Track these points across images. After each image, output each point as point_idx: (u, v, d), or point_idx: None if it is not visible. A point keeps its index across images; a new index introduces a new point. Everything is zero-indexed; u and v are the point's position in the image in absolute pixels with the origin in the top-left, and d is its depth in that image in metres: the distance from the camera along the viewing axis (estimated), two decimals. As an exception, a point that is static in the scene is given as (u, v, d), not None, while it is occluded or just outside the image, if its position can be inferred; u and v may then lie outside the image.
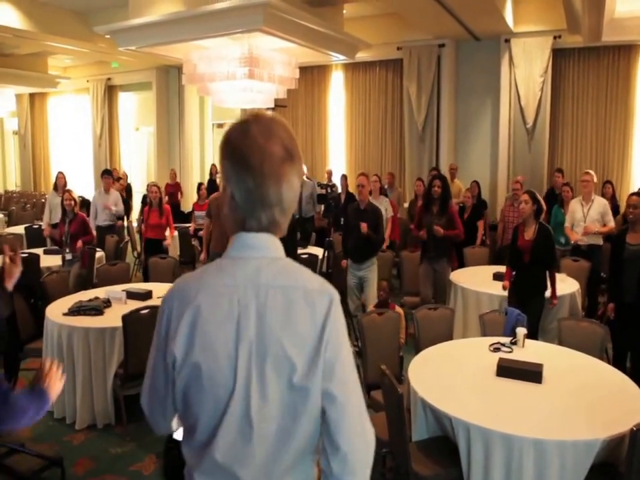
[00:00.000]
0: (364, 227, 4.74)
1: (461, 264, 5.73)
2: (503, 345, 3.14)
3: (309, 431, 1.05)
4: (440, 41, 8.60)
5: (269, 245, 1.08)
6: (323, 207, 7.61)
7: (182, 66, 7.60)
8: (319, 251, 5.85)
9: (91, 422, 3.79)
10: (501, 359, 2.84)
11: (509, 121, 8.38)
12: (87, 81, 12.85)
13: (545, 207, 4.19)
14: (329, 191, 5.17)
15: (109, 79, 12.52)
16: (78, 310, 3.96)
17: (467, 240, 5.88)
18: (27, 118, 14.48)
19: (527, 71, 8.10)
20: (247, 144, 1.03)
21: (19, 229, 8.05)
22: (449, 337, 3.55)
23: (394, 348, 3.55)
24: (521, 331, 3.13)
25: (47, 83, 12.06)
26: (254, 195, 1.04)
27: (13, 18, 7.99)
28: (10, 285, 1.75)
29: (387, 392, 2.60)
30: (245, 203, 1.05)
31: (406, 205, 8.46)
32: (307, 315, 1.02)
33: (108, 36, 7.46)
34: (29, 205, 11.30)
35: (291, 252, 5.15)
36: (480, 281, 4.79)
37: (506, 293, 4.18)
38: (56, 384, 1.44)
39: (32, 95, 14.15)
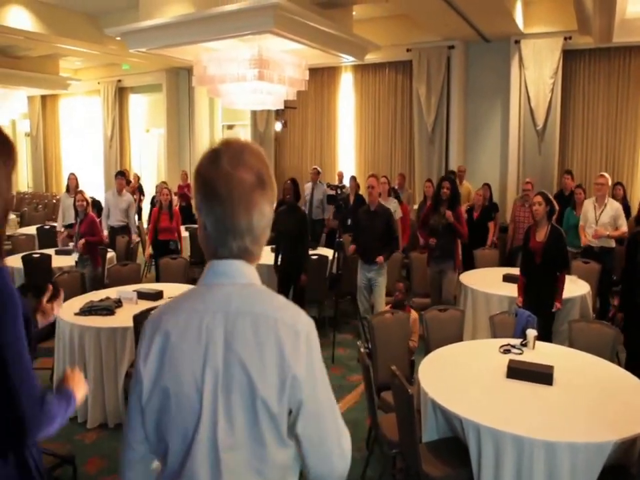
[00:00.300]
0: (380, 260, 4.78)
1: (471, 265, 5.72)
2: (513, 346, 3.13)
3: (281, 460, 1.03)
4: (449, 42, 8.59)
5: (241, 271, 1.05)
6: (333, 207, 7.61)
7: (192, 68, 7.64)
8: (329, 252, 5.86)
9: (102, 421, 3.83)
10: (511, 361, 2.84)
11: (518, 123, 8.35)
12: (98, 83, 12.96)
13: (557, 207, 4.18)
14: (339, 192, 5.17)
15: (119, 80, 12.61)
16: (89, 310, 4.00)
17: (477, 241, 5.87)
18: (39, 120, 14.63)
19: (537, 72, 8.06)
20: (215, 173, 1.02)
21: (31, 230, 8.13)
22: (459, 338, 3.55)
23: (404, 349, 3.55)
24: (531, 333, 3.12)
25: (58, 85, 12.17)
26: (223, 224, 1.02)
27: (25, 20, 8.08)
28: (41, 322, 1.69)
29: (397, 393, 2.61)
30: (215, 232, 1.04)
31: (416, 206, 8.45)
32: (274, 347, 0.99)
33: (118, 38, 7.52)
34: (40, 206, 11.42)
35: (302, 253, 5.18)
36: (490, 283, 4.78)
37: (515, 294, 4.15)
38: (81, 388, 1.43)
39: (43, 97, 14.29)
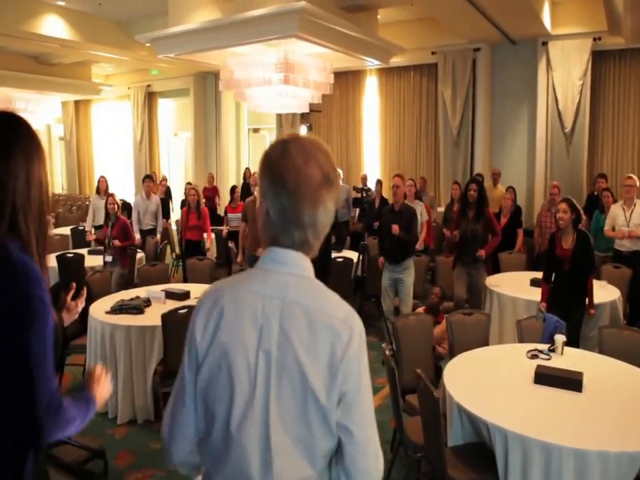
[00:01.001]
0: (395, 228, 4.71)
1: (496, 269, 5.62)
2: (541, 351, 3.06)
3: (326, 449, 1.05)
4: (475, 44, 8.48)
5: (299, 262, 1.08)
6: (357, 210, 7.59)
7: (218, 72, 7.72)
8: (353, 255, 5.84)
9: (132, 417, 3.88)
10: (538, 366, 2.77)
11: (546, 126, 8.18)
12: (128, 88, 13.20)
13: (584, 216, 4.07)
14: (364, 195, 5.15)
15: (148, 85, 12.82)
16: (120, 308, 4.07)
17: (504, 246, 5.75)
18: (72, 124, 14.98)
19: (565, 74, 7.90)
20: (285, 164, 1.04)
21: (65, 230, 8.32)
22: (485, 342, 3.48)
23: (428, 351, 3.50)
24: (560, 338, 3.04)
25: (90, 91, 12.45)
26: (288, 215, 1.05)
27: (60, 29, 8.29)
28: (66, 320, 1.70)
29: (422, 396, 2.57)
30: (279, 221, 1.06)
31: (440, 209, 8.37)
32: (327, 343, 1.01)
33: (148, 44, 7.65)
34: (74, 207, 11.68)
35: (324, 256, 5.18)
36: (517, 287, 4.69)
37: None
38: (104, 390, 1.43)
39: (77, 102, 14.63)
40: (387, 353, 2.89)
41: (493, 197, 7.26)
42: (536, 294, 4.32)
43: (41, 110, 12.33)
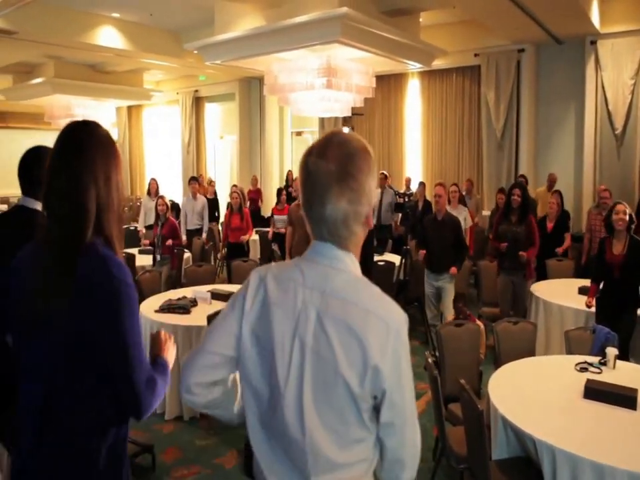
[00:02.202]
0: (453, 271, 4.64)
1: (543, 276, 5.39)
2: (591, 364, 2.90)
3: (359, 437, 1.05)
4: (519, 45, 8.20)
5: (337, 255, 1.07)
6: (400, 215, 7.47)
7: (263, 77, 7.77)
8: (396, 258, 5.75)
9: (179, 413, 3.95)
10: (588, 380, 2.62)
11: (594, 127, 7.80)
12: (177, 93, 13.48)
13: (635, 220, 3.85)
14: (406, 200, 5.05)
15: (196, 90, 13.06)
16: (168, 308, 4.15)
17: (551, 252, 5.51)
18: (125, 128, 15.45)
19: (615, 73, 7.52)
20: (305, 162, 1.07)
21: (118, 230, 8.56)
22: (531, 352, 3.33)
23: (473, 360, 3.39)
24: (612, 351, 2.87)
25: (142, 96, 12.78)
26: (312, 210, 1.07)
27: (115, 39, 8.56)
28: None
29: (466, 408, 2.48)
30: (308, 216, 1.09)
31: (484, 212, 8.14)
32: (360, 336, 1.00)
33: (196, 52, 7.78)
34: (126, 208, 12.04)
35: (365, 258, 5.11)
36: (564, 295, 4.47)
37: (592, 309, 3.87)
38: (172, 354, 1.49)
39: (129, 108, 15.08)
40: (430, 360, 2.81)
41: (545, 202, 6.97)
42: (585, 303, 4.11)
43: (98, 115, 12.72)
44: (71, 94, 11.01)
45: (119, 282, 1.23)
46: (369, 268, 5.05)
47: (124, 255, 1.36)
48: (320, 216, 1.05)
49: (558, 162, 8.35)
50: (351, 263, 1.08)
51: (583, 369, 2.87)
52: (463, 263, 4.81)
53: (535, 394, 2.66)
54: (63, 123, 9.89)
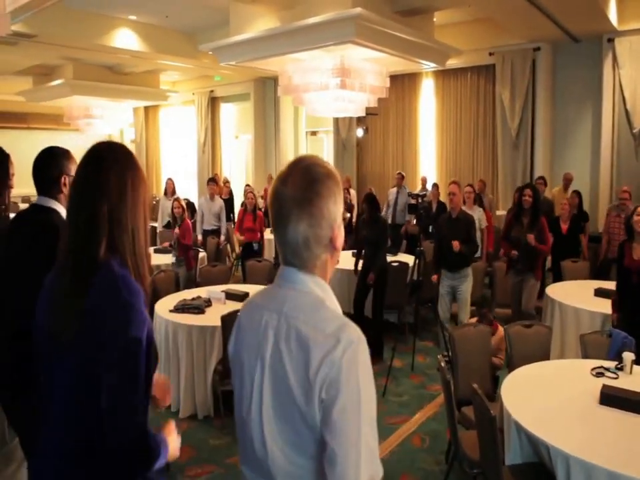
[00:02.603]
0: (455, 245, 4.55)
1: (559, 278, 5.30)
2: (607, 369, 2.83)
3: (315, 450, 1.02)
4: (535, 44, 8.07)
5: (300, 278, 1.10)
6: (413, 216, 7.41)
7: (277, 77, 7.76)
8: (409, 258, 5.70)
9: (192, 412, 3.96)
10: (604, 386, 2.56)
11: (612, 126, 7.65)
12: (193, 94, 13.54)
13: None
14: (420, 200, 5.01)
15: (211, 91, 13.10)
16: (182, 308, 4.16)
17: (567, 254, 5.41)
18: (142, 128, 15.57)
19: (633, 71, 7.36)
20: (273, 187, 1.11)
21: (134, 229, 8.63)
22: (545, 356, 3.27)
23: (485, 362, 3.35)
24: (629, 356, 2.80)
25: (158, 97, 12.86)
26: (277, 234, 1.11)
27: (132, 41, 8.63)
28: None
29: (479, 412, 2.45)
30: (275, 240, 1.14)
31: (498, 212, 8.05)
32: (308, 352, 1.02)
33: (211, 52, 7.80)
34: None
35: (380, 259, 5.06)
36: (580, 297, 4.37)
37: (609, 311, 3.78)
38: (175, 444, 1.42)
39: (146, 108, 15.18)
40: (442, 364, 2.78)
41: (561, 203, 6.86)
42: (601, 305, 4.04)
43: (115, 116, 12.89)
44: (89, 95, 11.13)
45: (130, 307, 1.23)
46: (376, 267, 5.02)
47: (146, 277, 1.35)
48: (283, 239, 1.09)
49: (574, 161, 8.21)
50: (314, 285, 1.10)
51: (599, 374, 2.81)
52: (470, 252, 4.71)
53: (549, 399, 2.61)
54: (82, 123, 9.96)
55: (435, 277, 4.87)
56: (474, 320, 3.89)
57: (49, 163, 1.96)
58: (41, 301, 1.32)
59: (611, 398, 2.47)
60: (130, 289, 1.25)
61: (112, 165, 1.31)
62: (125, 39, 8.52)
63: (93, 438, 1.22)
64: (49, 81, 11.14)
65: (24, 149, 13.88)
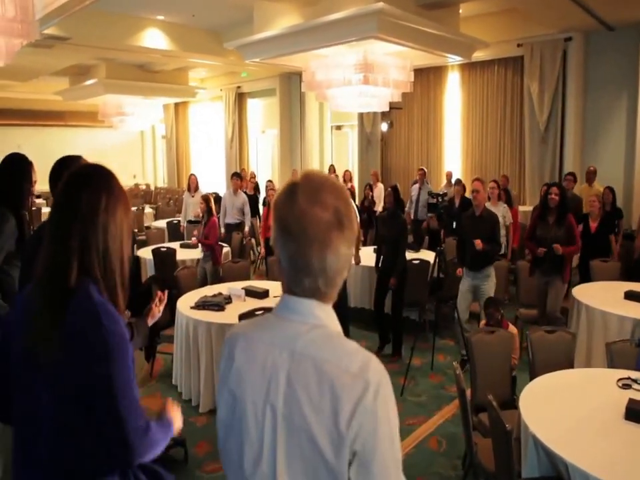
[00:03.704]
0: (478, 243, 4.37)
1: (587, 278, 5.03)
2: (635, 381, 2.64)
3: None
4: (566, 34, 7.70)
5: (312, 311, 0.96)
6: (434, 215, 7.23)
7: (302, 73, 7.66)
8: (431, 255, 5.55)
9: (212, 407, 3.95)
10: (631, 400, 2.37)
11: (648, 118, 7.26)
12: (220, 90, 13.59)
13: None
14: (440, 199, 4.83)
15: (238, 87, 13.11)
16: (203, 305, 4.16)
17: (596, 253, 5.14)
18: (172, 124, 15.75)
19: (672, 60, 6.94)
20: (291, 210, 0.93)
21: (162, 223, 8.72)
22: (569, 364, 3.09)
23: (505, 368, 3.19)
24: (657, 367, 2.62)
25: (188, 94, 12.96)
26: (296, 262, 0.94)
27: (160, 40, 8.69)
28: (150, 321, 1.83)
29: (494, 425, 2.32)
30: (289, 268, 0.95)
31: (522, 208, 7.76)
32: (335, 399, 0.88)
33: (236, 50, 7.76)
34: (172, 201, 12.27)
35: (400, 260, 4.92)
36: (609, 300, 4.08)
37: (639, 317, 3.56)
38: (178, 420, 1.46)
39: (176, 104, 15.34)
40: (457, 372, 2.65)
41: (588, 198, 6.56)
42: (632, 309, 3.78)
43: (147, 113, 13.06)
44: (121, 93, 11.31)
45: (109, 334, 1.19)
46: (397, 268, 4.89)
47: (119, 303, 1.29)
48: (316, 267, 0.93)
49: (606, 155, 7.82)
50: (327, 316, 0.97)
51: (626, 386, 2.62)
52: (493, 251, 4.51)
53: (569, 411, 2.45)
54: (115, 120, 10.17)
55: (459, 271, 4.69)
56: (483, 323, 3.74)
57: (62, 171, 1.96)
58: (15, 323, 1.27)
59: (638, 413, 2.30)
60: (109, 316, 1.20)
61: (84, 186, 1.27)
62: (153, 38, 8.58)
63: (59, 464, 1.19)
64: (84, 80, 11.37)
65: (62, 147, 14.30)
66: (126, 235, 1.31)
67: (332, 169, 10.17)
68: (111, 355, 1.18)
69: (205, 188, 8.85)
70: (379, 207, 8.32)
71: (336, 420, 0.87)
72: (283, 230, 0.94)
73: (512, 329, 3.49)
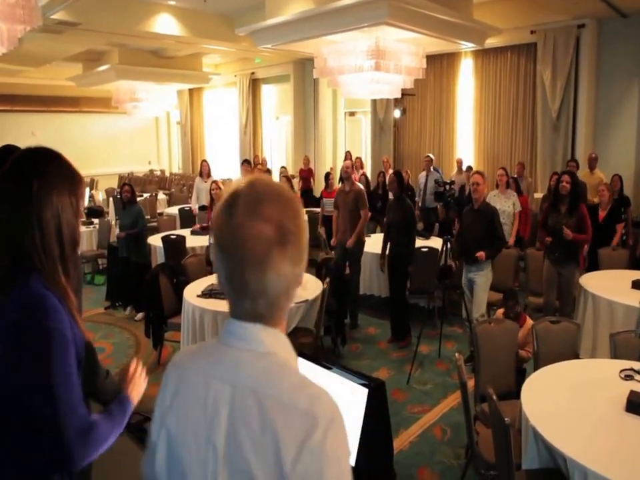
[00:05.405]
0: (480, 255, 4.25)
1: (594, 266, 4.95)
2: (637, 372, 2.59)
3: None
4: (579, 21, 7.47)
5: (257, 337, 0.84)
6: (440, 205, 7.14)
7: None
8: (440, 243, 5.50)
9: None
10: (632, 392, 2.33)
11: (661, 106, 7.05)
12: (235, 76, 13.49)
13: None
14: (446, 188, 4.75)
15: (252, 73, 13.00)
16: (209, 293, 4.15)
17: (603, 240, 5.04)
18: (187, 110, 15.70)
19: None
20: (227, 224, 0.82)
21: (174, 210, 8.75)
22: (573, 354, 3.05)
23: (510, 359, 3.16)
24: (661, 360, 2.58)
25: (201, 80, 12.88)
26: (233, 282, 0.83)
27: (174, 27, 8.61)
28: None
29: (494, 418, 2.30)
30: (228, 288, 0.85)
31: (536, 195, 7.64)
32: (280, 439, 0.78)
33: (247, 35, 7.67)
34: (185, 187, 12.30)
35: (410, 245, 4.87)
36: (616, 289, 4.01)
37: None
38: (139, 387, 1.42)
39: (190, 90, 15.27)
40: (458, 363, 2.63)
41: (590, 184, 6.45)
42: (638, 298, 3.71)
43: (160, 99, 13.01)
44: (134, 79, 11.25)
45: (47, 329, 1.14)
46: (411, 256, 4.86)
47: (66, 291, 1.24)
48: (260, 287, 0.83)
49: (618, 143, 7.63)
50: (277, 342, 0.86)
51: (628, 377, 2.58)
52: (496, 253, 4.41)
53: (570, 403, 2.43)
54: (129, 106, 10.13)
55: (453, 267, 4.65)
56: (500, 312, 3.69)
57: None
58: None
59: (639, 405, 2.26)
60: (48, 310, 1.15)
61: (14, 173, 1.22)
62: (164, 24, 8.49)
63: None
64: (97, 66, 11.33)
65: (77, 132, 14.34)
66: (66, 220, 1.24)
67: (348, 155, 10.04)
68: (48, 354, 1.13)
69: (219, 174, 8.83)
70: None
71: (279, 462, 0.77)
72: (218, 246, 0.84)
73: (529, 322, 3.43)
